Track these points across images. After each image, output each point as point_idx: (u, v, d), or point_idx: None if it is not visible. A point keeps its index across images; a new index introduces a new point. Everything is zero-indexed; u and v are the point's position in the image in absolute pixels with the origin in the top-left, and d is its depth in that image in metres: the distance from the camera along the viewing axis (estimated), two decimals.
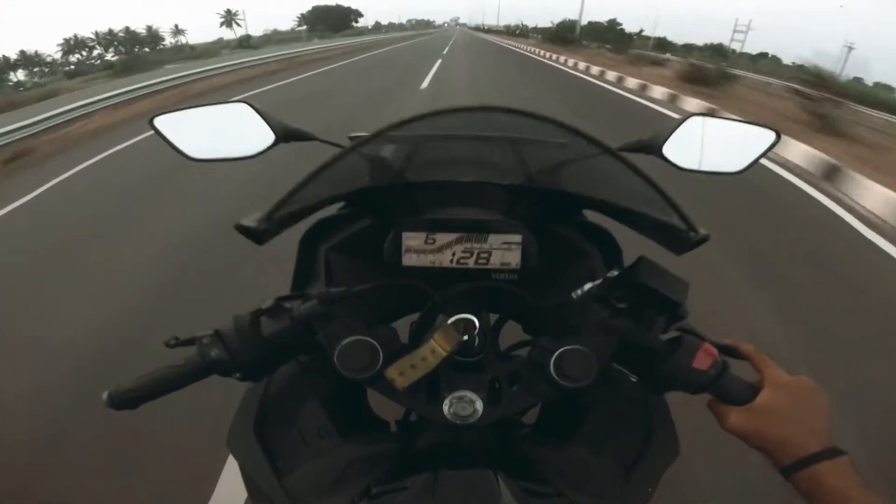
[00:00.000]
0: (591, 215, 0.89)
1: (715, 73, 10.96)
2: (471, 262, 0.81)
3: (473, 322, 0.68)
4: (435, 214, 0.84)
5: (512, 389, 0.69)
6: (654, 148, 0.79)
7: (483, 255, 0.81)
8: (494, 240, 0.81)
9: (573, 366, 0.65)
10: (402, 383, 0.63)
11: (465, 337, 0.67)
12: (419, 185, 0.85)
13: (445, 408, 0.65)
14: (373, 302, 0.84)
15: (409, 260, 0.81)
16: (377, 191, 0.83)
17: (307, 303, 0.71)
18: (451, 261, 0.81)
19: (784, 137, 5.49)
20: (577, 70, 17.71)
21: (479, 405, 0.66)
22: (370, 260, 0.82)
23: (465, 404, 0.66)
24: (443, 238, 0.81)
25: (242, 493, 0.75)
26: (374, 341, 0.66)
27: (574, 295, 0.73)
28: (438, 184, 0.86)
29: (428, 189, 0.84)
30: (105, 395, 0.63)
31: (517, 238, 0.81)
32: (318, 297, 0.71)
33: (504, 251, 0.81)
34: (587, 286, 0.72)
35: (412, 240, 0.81)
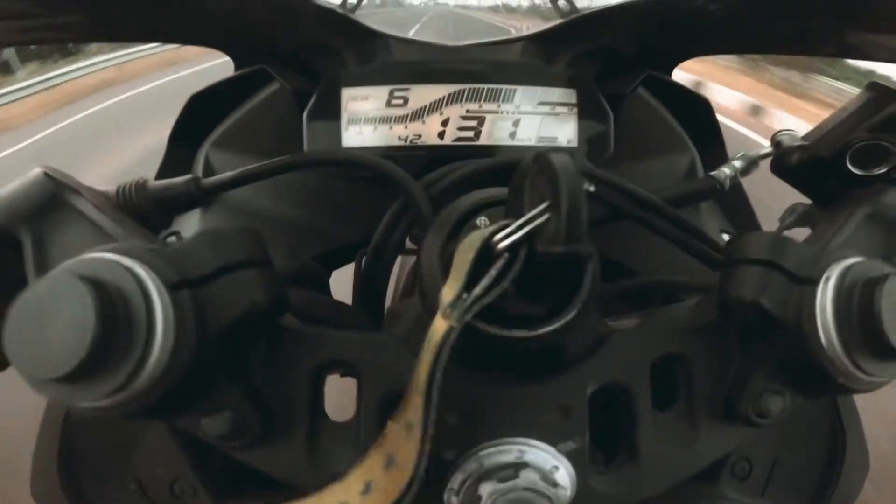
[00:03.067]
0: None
1: None
2: (480, 137, 0.41)
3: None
4: (407, 56, 0.44)
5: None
6: None
7: (504, 124, 0.41)
8: (525, 98, 0.41)
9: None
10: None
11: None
12: (376, 32, 0.44)
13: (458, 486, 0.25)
14: (277, 228, 0.44)
15: (354, 138, 0.42)
16: (295, 32, 0.44)
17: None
18: (441, 135, 0.41)
19: None
20: None
21: (566, 478, 0.25)
22: (280, 154, 0.43)
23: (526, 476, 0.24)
24: (423, 94, 0.42)
25: None
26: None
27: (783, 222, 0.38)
28: (410, 42, 0.46)
29: (390, 41, 0.46)
30: None
31: (568, 96, 0.42)
32: (187, 183, 0.36)
33: (545, 118, 0.41)
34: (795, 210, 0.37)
35: (363, 99, 0.41)
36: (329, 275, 0.47)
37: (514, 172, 0.21)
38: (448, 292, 0.19)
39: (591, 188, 0.21)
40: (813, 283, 0.23)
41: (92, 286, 0.18)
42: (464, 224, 0.24)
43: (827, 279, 0.23)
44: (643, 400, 0.25)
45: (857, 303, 0.22)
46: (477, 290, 0.19)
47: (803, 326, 0.23)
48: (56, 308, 0.18)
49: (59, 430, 0.39)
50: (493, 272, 0.19)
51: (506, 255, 0.19)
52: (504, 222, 0.20)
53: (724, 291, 0.25)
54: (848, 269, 0.22)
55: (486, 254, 0.20)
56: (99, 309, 0.17)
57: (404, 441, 0.21)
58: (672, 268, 0.40)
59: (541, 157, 0.19)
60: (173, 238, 0.44)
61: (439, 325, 0.19)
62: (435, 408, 0.20)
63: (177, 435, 0.36)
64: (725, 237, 0.46)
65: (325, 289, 0.42)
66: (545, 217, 0.19)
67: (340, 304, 0.38)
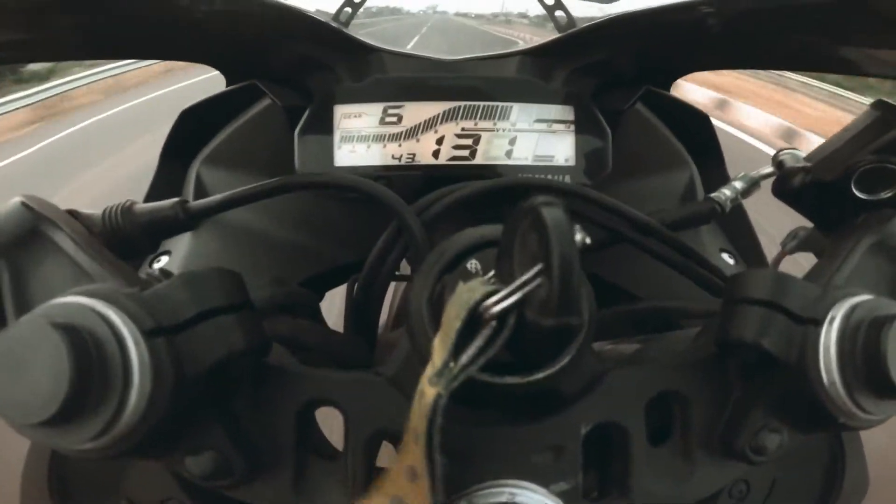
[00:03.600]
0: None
1: None
2: (476, 157, 0.40)
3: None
4: (401, 72, 0.43)
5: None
6: None
7: (500, 143, 0.40)
8: (521, 115, 0.40)
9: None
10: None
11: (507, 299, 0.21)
12: (369, 47, 0.44)
13: None
14: (268, 249, 0.44)
15: (347, 157, 0.41)
16: (287, 46, 0.42)
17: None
18: (436, 154, 0.40)
19: None
20: None
21: None
22: (271, 172, 0.42)
23: None
24: (418, 111, 0.41)
25: None
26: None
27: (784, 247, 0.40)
28: (405, 56, 0.45)
29: (384, 56, 0.45)
30: None
31: (566, 113, 0.41)
32: (173, 207, 0.35)
33: (542, 136, 0.41)
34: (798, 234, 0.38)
35: (356, 117, 0.41)
36: (321, 297, 0.46)
37: (506, 220, 0.21)
38: (437, 356, 0.19)
39: (588, 241, 0.20)
40: (817, 323, 0.22)
41: (65, 333, 0.18)
42: (454, 267, 0.23)
43: (832, 319, 0.22)
44: (637, 437, 0.25)
45: (861, 343, 0.21)
46: (464, 360, 0.18)
47: (806, 366, 0.22)
48: (32, 355, 0.18)
49: (49, 449, 0.38)
50: (479, 342, 0.18)
51: (494, 323, 0.19)
52: (494, 288, 0.19)
53: (725, 331, 0.24)
54: (853, 308, 0.22)
55: (476, 318, 0.19)
56: (73, 357, 0.17)
57: (410, 487, 0.21)
58: (672, 291, 0.39)
59: (533, 210, 0.18)
60: (164, 257, 0.43)
61: (428, 392, 0.19)
62: (439, 462, 0.19)
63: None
64: (726, 257, 0.45)
65: (316, 313, 0.41)
66: (536, 283, 0.18)
67: (330, 332, 0.37)
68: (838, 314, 0.22)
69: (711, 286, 0.34)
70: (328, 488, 0.25)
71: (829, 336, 0.22)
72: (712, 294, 0.35)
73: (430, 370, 0.18)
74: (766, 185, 0.38)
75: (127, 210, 0.33)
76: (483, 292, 0.19)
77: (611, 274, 0.43)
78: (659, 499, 0.25)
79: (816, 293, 0.23)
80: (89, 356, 0.18)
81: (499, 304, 0.18)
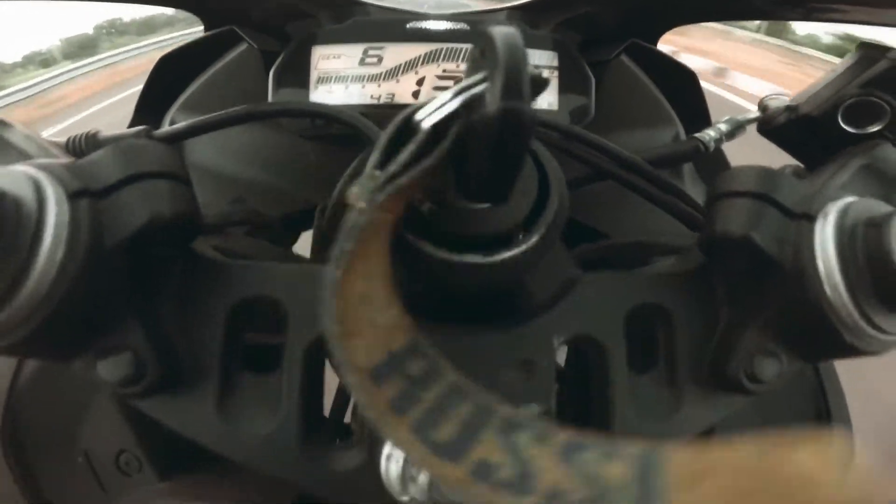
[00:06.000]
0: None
1: None
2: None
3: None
4: (381, 16, 0.42)
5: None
6: None
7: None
8: None
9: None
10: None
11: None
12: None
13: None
14: (239, 188, 0.42)
15: (323, 97, 0.40)
16: None
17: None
18: (416, 95, 0.39)
19: None
20: None
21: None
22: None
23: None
24: (399, 52, 0.40)
25: None
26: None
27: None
28: (388, 9, 0.44)
29: (368, 7, 0.44)
30: None
31: (550, 59, 0.40)
32: (138, 134, 0.35)
33: None
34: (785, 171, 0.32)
35: (335, 58, 0.40)
36: (294, 238, 0.45)
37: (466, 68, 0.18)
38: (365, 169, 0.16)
39: (545, 75, 0.17)
40: (810, 218, 0.20)
41: None
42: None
43: (825, 215, 0.19)
44: (617, 357, 0.22)
45: (861, 242, 0.19)
46: (392, 167, 0.15)
47: (802, 268, 0.19)
48: None
49: (4, 400, 0.37)
50: (412, 146, 0.16)
51: (427, 130, 0.16)
52: (432, 98, 0.16)
53: (711, 228, 0.22)
54: (847, 206, 0.20)
55: (410, 131, 0.16)
56: None
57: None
58: (647, 233, 0.38)
59: (482, 34, 0.15)
60: None
61: (350, 211, 0.15)
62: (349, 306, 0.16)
63: (122, 406, 0.34)
64: None
65: (285, 247, 0.40)
66: (481, 87, 0.15)
67: (292, 254, 0.36)
68: (832, 210, 0.20)
69: (692, 223, 0.34)
70: (255, 409, 0.22)
71: (825, 232, 0.19)
72: (693, 230, 0.34)
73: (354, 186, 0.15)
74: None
75: (91, 137, 0.32)
76: (417, 104, 0.16)
77: (589, 217, 0.42)
78: (643, 434, 0.22)
79: (808, 189, 0.21)
80: (6, 218, 0.16)
81: (435, 111, 0.16)
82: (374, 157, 0.16)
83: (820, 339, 0.20)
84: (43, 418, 0.37)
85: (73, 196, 0.17)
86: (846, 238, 0.19)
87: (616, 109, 0.46)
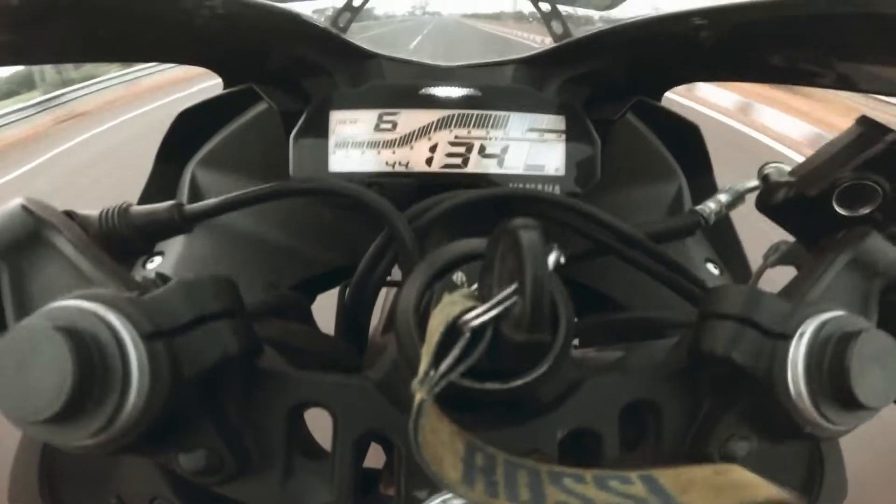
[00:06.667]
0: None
1: None
2: (468, 165, 0.41)
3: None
4: (398, 80, 0.44)
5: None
6: None
7: (492, 152, 0.41)
8: (514, 124, 0.41)
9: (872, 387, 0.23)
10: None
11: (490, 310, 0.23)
12: (367, 53, 0.44)
13: None
14: (261, 252, 0.44)
15: (342, 162, 0.41)
16: (285, 51, 0.43)
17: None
18: (429, 161, 0.41)
19: None
20: None
21: None
22: (266, 175, 0.43)
23: None
24: (412, 119, 0.42)
25: None
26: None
27: (766, 260, 0.39)
28: (402, 62, 0.46)
29: (382, 62, 0.45)
30: None
31: (557, 122, 0.42)
32: (170, 210, 0.36)
33: (534, 145, 0.41)
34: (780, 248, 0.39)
35: (352, 123, 0.41)
36: (312, 300, 0.46)
37: (491, 237, 0.22)
38: (421, 364, 0.20)
39: (563, 260, 0.21)
40: (786, 338, 0.23)
41: (68, 336, 0.18)
42: (441, 277, 0.24)
43: (801, 335, 0.23)
44: (611, 443, 0.26)
45: (829, 357, 0.22)
46: (443, 368, 0.19)
47: (773, 379, 0.23)
48: (35, 356, 0.19)
49: (41, 446, 0.39)
50: (457, 352, 0.20)
51: (470, 334, 0.20)
52: (473, 304, 0.20)
53: (697, 344, 0.25)
54: (823, 324, 0.23)
55: (456, 330, 0.20)
56: (76, 359, 0.18)
57: None
58: (658, 300, 0.39)
59: (511, 233, 0.19)
60: (157, 258, 0.43)
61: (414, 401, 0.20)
62: (420, 460, 0.20)
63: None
64: (711, 267, 0.46)
65: (307, 316, 0.42)
66: (512, 301, 0.19)
67: (321, 335, 0.38)
68: (808, 329, 0.23)
69: (693, 297, 0.35)
70: (314, 487, 0.26)
71: (798, 350, 0.23)
72: (694, 305, 0.35)
73: (415, 377, 0.20)
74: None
75: (123, 212, 0.34)
76: (462, 307, 0.20)
77: (598, 283, 0.43)
78: None
79: (787, 309, 0.24)
80: (91, 357, 0.19)
81: (476, 319, 0.20)
82: (429, 359, 0.20)
83: (785, 428, 0.24)
84: (78, 462, 0.39)
85: (148, 337, 0.20)
86: (815, 354, 0.22)
87: (620, 167, 0.47)
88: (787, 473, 0.37)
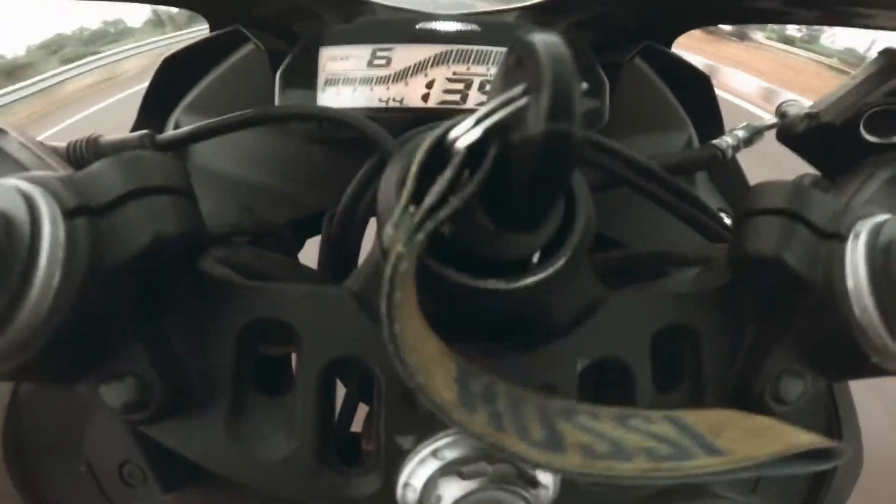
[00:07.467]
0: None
1: None
2: (468, 101, 0.39)
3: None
4: (390, 15, 0.41)
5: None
6: None
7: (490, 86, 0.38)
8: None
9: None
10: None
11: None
12: None
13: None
14: (246, 192, 0.41)
15: (331, 99, 0.39)
16: None
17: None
18: (426, 98, 0.38)
19: None
20: None
21: (548, 475, 0.21)
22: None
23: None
24: (408, 54, 0.39)
25: None
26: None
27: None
28: (397, 9, 0.43)
29: (375, 6, 0.43)
30: None
31: None
32: (141, 138, 0.33)
33: None
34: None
35: (343, 59, 0.39)
36: (301, 243, 0.44)
37: (501, 61, 0.17)
38: (399, 201, 0.15)
39: (584, 85, 0.15)
40: (841, 238, 0.19)
41: None
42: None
43: (857, 235, 0.19)
44: (642, 379, 0.22)
45: (894, 262, 0.18)
46: (428, 200, 0.14)
47: (833, 288, 0.19)
48: None
49: (6, 408, 0.36)
50: (447, 174, 0.14)
51: (463, 151, 0.15)
52: (464, 116, 0.15)
53: (740, 246, 0.21)
54: (880, 225, 0.19)
55: (444, 153, 0.15)
56: None
57: None
58: (664, 242, 0.37)
59: (520, 42, 0.14)
60: None
61: (388, 255, 0.14)
62: (398, 351, 0.14)
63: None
64: (723, 216, 0.44)
65: (291, 255, 0.39)
66: (522, 102, 0.14)
67: (300, 266, 0.35)
68: (864, 229, 0.19)
69: (711, 233, 0.33)
70: (269, 431, 0.21)
71: (857, 253, 0.19)
72: (712, 241, 0.33)
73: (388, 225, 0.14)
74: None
75: (92, 142, 0.31)
76: (449, 122, 0.15)
77: (603, 225, 0.41)
78: None
79: (840, 207, 0.20)
80: None
81: (471, 130, 0.14)
82: (408, 189, 0.14)
83: (846, 359, 0.20)
84: (45, 425, 0.36)
85: (70, 214, 0.16)
86: (878, 259, 0.18)
87: (629, 113, 0.45)
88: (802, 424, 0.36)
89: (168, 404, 0.19)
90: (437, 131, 0.15)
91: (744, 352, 0.22)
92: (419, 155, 0.15)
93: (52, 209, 0.16)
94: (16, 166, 0.22)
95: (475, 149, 0.15)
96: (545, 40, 0.13)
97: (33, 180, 0.16)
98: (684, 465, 0.15)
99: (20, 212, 0.15)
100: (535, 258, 0.19)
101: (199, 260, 0.21)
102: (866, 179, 0.25)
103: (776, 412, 0.22)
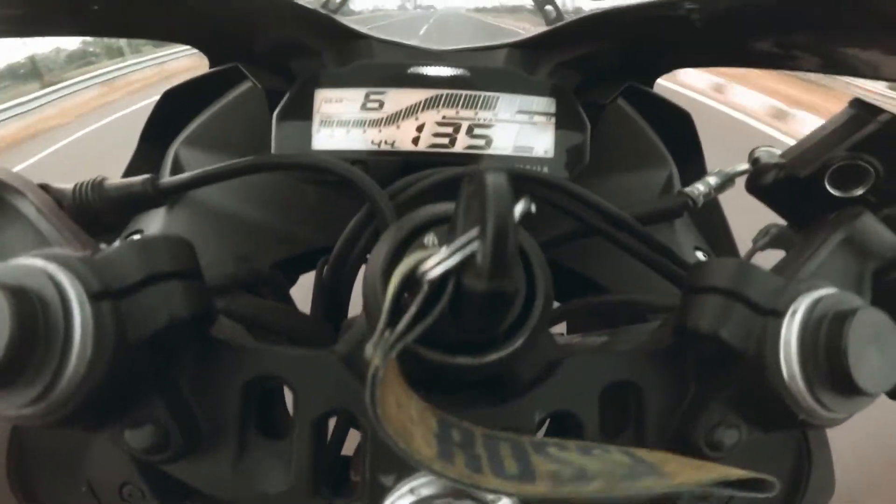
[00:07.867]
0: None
1: None
2: (456, 145, 0.40)
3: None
4: (387, 59, 0.43)
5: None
6: None
7: (480, 132, 0.40)
8: (504, 106, 0.40)
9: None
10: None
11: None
12: (356, 33, 0.43)
13: None
14: (241, 230, 0.43)
15: (325, 141, 0.41)
16: (273, 31, 0.42)
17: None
18: (416, 141, 0.40)
19: None
20: None
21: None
22: (249, 155, 0.41)
23: None
24: (400, 98, 0.41)
25: None
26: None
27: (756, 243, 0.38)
28: (392, 44, 0.45)
29: (372, 43, 0.45)
30: None
31: (548, 105, 0.41)
32: (144, 183, 0.34)
33: (523, 127, 0.40)
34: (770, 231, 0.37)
35: (337, 101, 0.41)
36: (293, 281, 0.46)
37: (459, 188, 0.20)
38: (377, 325, 0.18)
39: (533, 208, 0.19)
40: (778, 315, 0.21)
41: (10, 293, 0.17)
42: (412, 241, 0.22)
43: (794, 312, 0.21)
44: (591, 428, 0.24)
45: (823, 337, 0.20)
46: (400, 327, 0.17)
47: (765, 360, 0.21)
48: None
49: (10, 430, 0.38)
50: (413, 308, 0.17)
51: (427, 286, 0.18)
52: (432, 251, 0.18)
53: (682, 320, 0.24)
54: (817, 301, 0.21)
55: (414, 283, 0.18)
56: (15, 316, 0.17)
57: None
58: (644, 284, 0.39)
59: (475, 175, 0.17)
60: (136, 236, 0.42)
61: (369, 366, 0.18)
62: (381, 438, 0.18)
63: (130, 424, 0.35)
64: (699, 254, 0.45)
65: (284, 294, 0.41)
66: (473, 247, 0.17)
67: (295, 312, 0.37)
68: (801, 307, 0.21)
69: (680, 280, 0.34)
70: (270, 468, 0.24)
71: (791, 329, 0.21)
72: (680, 288, 0.35)
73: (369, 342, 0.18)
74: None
75: (98, 185, 0.33)
76: (419, 257, 0.18)
77: (583, 266, 0.42)
78: None
79: (779, 284, 0.22)
80: (33, 317, 0.17)
81: (434, 268, 0.17)
82: (383, 319, 0.17)
83: (777, 415, 0.22)
84: (48, 447, 0.38)
85: (94, 297, 0.19)
86: (809, 333, 0.21)
87: (610, 152, 0.46)
88: (772, 468, 0.37)
89: (182, 448, 0.23)
90: (407, 265, 0.18)
91: (684, 404, 0.25)
92: (391, 288, 0.18)
93: (79, 292, 0.19)
94: (36, 237, 0.24)
95: (437, 282, 0.18)
96: (494, 183, 0.16)
97: (58, 261, 0.19)
98: (636, 485, 0.18)
99: (51, 294, 0.18)
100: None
101: (206, 328, 0.24)
102: (819, 245, 0.26)
103: (711, 458, 0.24)
